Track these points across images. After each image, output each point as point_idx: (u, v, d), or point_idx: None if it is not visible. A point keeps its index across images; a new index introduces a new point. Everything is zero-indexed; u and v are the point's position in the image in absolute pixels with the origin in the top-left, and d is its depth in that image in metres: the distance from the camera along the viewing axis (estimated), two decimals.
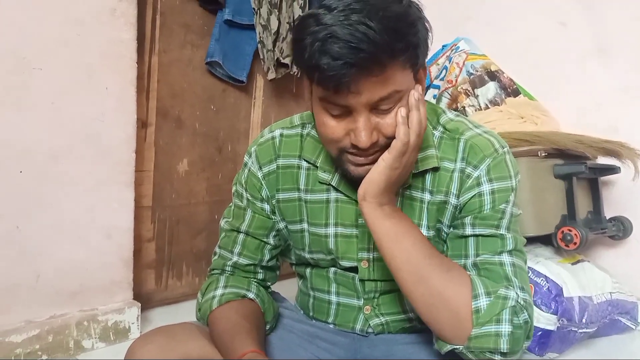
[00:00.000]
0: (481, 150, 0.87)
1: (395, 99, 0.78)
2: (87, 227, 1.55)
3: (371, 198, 0.82)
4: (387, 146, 0.80)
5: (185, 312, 1.82)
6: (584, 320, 1.56)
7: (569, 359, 1.56)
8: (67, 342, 1.50)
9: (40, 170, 1.45)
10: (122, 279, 1.64)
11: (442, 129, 0.91)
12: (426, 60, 0.84)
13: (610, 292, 1.69)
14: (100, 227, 1.58)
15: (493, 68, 2.08)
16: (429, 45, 0.82)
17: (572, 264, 1.70)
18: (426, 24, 0.80)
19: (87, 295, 1.56)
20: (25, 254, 1.44)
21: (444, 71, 2.20)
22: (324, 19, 0.74)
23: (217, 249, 1.02)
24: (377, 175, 0.80)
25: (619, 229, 1.85)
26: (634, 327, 1.74)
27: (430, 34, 0.81)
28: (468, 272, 0.83)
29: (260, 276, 1.00)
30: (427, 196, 0.91)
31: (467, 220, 0.86)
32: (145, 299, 1.80)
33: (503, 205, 0.86)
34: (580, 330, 1.57)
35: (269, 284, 1.03)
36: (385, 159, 0.80)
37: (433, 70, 2.28)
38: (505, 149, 0.89)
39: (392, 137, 0.80)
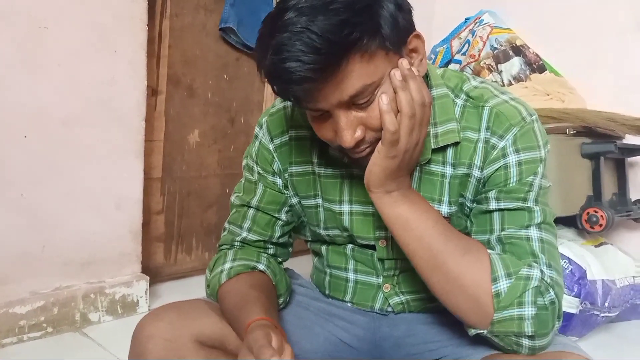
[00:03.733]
0: (507, 118, 0.81)
1: (370, 91, 0.72)
2: (97, 197, 1.51)
3: (375, 188, 0.77)
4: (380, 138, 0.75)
5: (195, 287, 1.80)
6: (606, 304, 1.54)
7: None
8: (73, 314, 1.47)
9: (50, 136, 1.41)
10: (131, 252, 1.60)
11: (465, 97, 0.85)
12: (410, 28, 0.75)
13: (633, 276, 1.67)
14: (111, 198, 1.54)
15: (518, 43, 2.01)
16: (407, 10, 0.75)
17: (596, 246, 1.67)
18: None
19: (94, 267, 1.53)
20: (33, 223, 1.41)
21: (467, 45, 2.13)
22: (277, 25, 0.68)
23: (226, 225, 0.98)
24: (374, 167, 0.76)
25: None
26: None
27: None
28: (491, 250, 0.79)
29: (270, 252, 0.97)
30: (448, 170, 0.85)
31: (492, 194, 0.81)
32: (153, 273, 1.77)
33: (531, 177, 0.80)
34: (602, 314, 1.54)
35: (280, 259, 0.99)
36: (380, 150, 0.75)
37: (455, 44, 2.20)
38: (534, 117, 0.83)
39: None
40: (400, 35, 0.73)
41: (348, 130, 0.74)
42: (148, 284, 1.62)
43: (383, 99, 0.72)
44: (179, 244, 1.90)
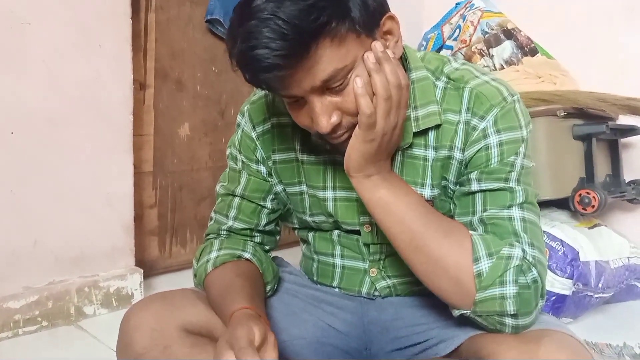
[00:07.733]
0: (488, 99, 0.80)
1: (342, 75, 0.71)
2: (86, 193, 1.51)
3: (355, 172, 0.77)
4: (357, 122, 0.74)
5: (190, 279, 1.76)
6: (600, 285, 1.53)
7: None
8: (68, 308, 1.48)
9: (35, 134, 1.40)
10: (123, 246, 1.60)
11: (445, 79, 0.84)
12: (382, 10, 0.75)
13: (628, 257, 1.66)
14: (100, 193, 1.54)
15: (509, 26, 1.99)
16: None
17: (589, 228, 1.66)
18: None
19: (87, 262, 1.53)
20: (23, 221, 1.41)
21: (457, 30, 2.12)
22: (245, 12, 0.68)
23: (212, 214, 0.99)
24: (353, 151, 0.75)
25: (639, 193, 1.80)
26: None
27: None
28: (473, 231, 0.78)
29: (257, 240, 0.97)
30: (430, 153, 0.85)
31: (473, 175, 0.81)
32: (148, 266, 1.77)
33: (512, 157, 0.80)
34: (596, 295, 1.54)
35: (268, 247, 0.99)
36: (357, 135, 0.74)
37: (446, 30, 2.19)
38: (515, 97, 0.82)
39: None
40: (371, 17, 0.72)
41: (323, 115, 0.73)
42: (142, 276, 1.63)
43: (357, 82, 0.71)
44: (173, 237, 1.90)
